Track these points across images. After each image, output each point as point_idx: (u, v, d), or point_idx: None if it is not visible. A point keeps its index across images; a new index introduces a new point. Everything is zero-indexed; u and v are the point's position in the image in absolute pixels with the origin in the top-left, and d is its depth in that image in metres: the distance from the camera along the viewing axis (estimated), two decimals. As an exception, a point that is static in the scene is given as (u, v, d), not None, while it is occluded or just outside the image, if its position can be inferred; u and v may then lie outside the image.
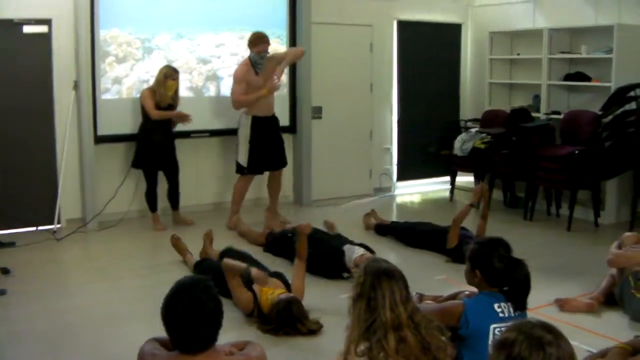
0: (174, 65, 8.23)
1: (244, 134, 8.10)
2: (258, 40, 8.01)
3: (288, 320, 4.93)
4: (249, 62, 8.06)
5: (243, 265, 5.27)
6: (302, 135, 9.28)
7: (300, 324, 4.94)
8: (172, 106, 8.08)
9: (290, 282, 5.46)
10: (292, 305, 4.99)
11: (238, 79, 8.04)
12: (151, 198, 8.16)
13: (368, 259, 5.17)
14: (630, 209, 8.07)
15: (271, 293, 5.16)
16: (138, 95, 8.22)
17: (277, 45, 9.19)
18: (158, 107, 7.91)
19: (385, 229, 7.85)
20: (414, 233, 7.45)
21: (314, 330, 4.97)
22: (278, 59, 8.17)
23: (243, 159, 8.10)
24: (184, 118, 8.06)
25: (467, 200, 8.81)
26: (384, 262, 3.19)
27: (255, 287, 5.24)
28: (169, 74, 7.97)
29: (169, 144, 8.14)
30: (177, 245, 6.75)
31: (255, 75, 8.03)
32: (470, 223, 7.21)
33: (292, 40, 9.27)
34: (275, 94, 8.62)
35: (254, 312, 5.17)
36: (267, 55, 8.07)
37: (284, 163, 8.47)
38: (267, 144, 8.15)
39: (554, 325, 2.24)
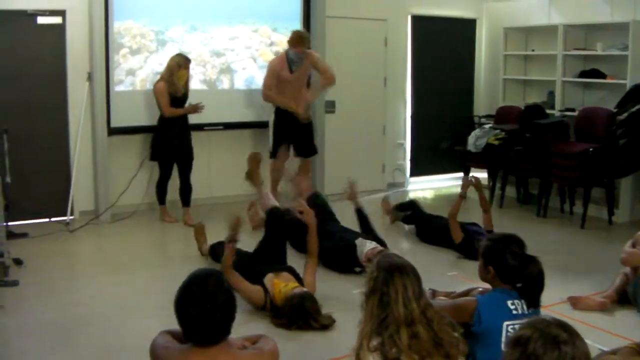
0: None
1: (271, 120, 8.35)
2: (299, 41, 8.02)
3: (301, 315, 4.93)
4: (286, 58, 8.15)
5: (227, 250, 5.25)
6: (315, 129, 9.26)
7: (313, 320, 4.94)
8: (182, 97, 8.03)
9: (300, 275, 5.47)
10: (305, 301, 5.00)
11: (270, 71, 8.17)
12: (161, 190, 8.15)
13: (380, 253, 5.20)
14: (645, 207, 8.05)
15: (284, 286, 5.16)
16: (152, 87, 8.23)
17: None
18: (174, 98, 7.87)
19: (406, 207, 7.87)
20: (430, 227, 7.39)
21: (326, 325, 4.97)
22: (313, 59, 8.18)
23: (270, 144, 8.32)
24: (196, 109, 8.01)
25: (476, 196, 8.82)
26: (396, 257, 3.17)
27: (267, 280, 5.25)
28: (182, 63, 7.89)
29: (186, 136, 8.11)
30: (199, 234, 6.73)
31: (290, 72, 8.10)
32: (479, 219, 7.19)
33: (306, 34, 9.26)
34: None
35: (267, 305, 5.18)
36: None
37: (311, 152, 8.60)
38: (290, 132, 8.28)
39: (570, 324, 2.23)
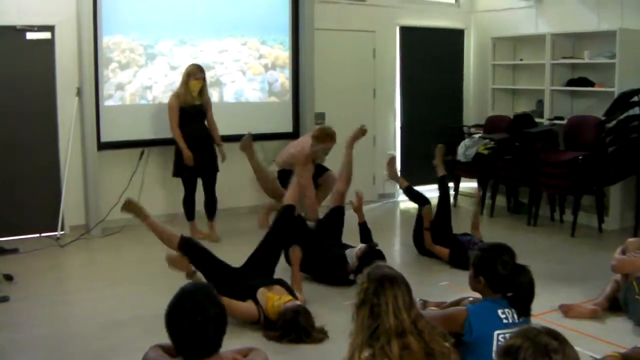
0: (177, 71, 8.23)
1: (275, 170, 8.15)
2: (327, 138, 7.58)
3: (294, 330, 4.93)
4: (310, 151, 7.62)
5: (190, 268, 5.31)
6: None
7: (305, 335, 4.93)
8: (199, 107, 7.85)
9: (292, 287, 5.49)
10: (299, 316, 4.99)
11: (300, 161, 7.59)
12: (188, 206, 7.98)
13: (369, 246, 5.27)
14: (634, 215, 8.06)
15: (277, 299, 5.16)
16: (142, 102, 8.27)
17: (280, 51, 9.22)
18: (185, 111, 7.74)
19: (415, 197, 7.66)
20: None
21: (318, 340, 4.96)
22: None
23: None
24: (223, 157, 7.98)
25: (471, 206, 8.85)
26: (387, 268, 3.18)
27: (260, 294, 5.24)
28: (192, 73, 7.75)
29: (208, 150, 7.96)
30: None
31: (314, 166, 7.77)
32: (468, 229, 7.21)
33: (295, 46, 9.28)
34: (278, 100, 8.90)
35: (261, 319, 5.17)
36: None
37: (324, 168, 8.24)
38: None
39: (560, 332, 2.23)
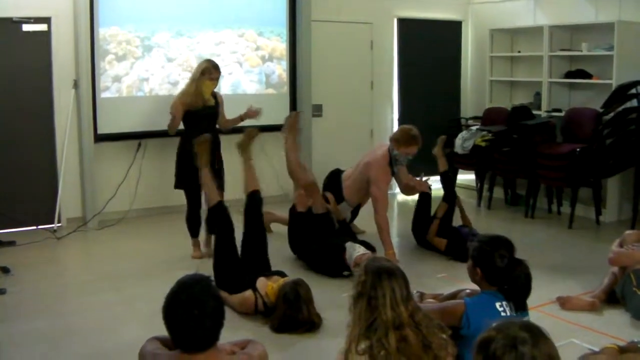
0: (174, 63, 8.19)
1: None
2: (412, 142, 6.85)
3: (295, 301, 4.96)
4: (388, 159, 7.03)
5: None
6: (302, 133, 9.25)
7: (306, 308, 4.97)
8: (210, 109, 6.91)
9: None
10: (299, 287, 5.05)
11: (383, 175, 7.05)
12: (193, 222, 6.93)
13: (368, 258, 5.19)
14: (632, 207, 8.06)
15: (275, 280, 5.26)
16: (138, 94, 8.23)
17: (277, 43, 9.20)
18: (190, 113, 6.78)
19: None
20: (422, 228, 7.35)
21: (315, 322, 5.00)
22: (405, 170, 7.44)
23: None
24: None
25: (468, 198, 8.85)
26: (384, 260, 3.19)
27: (259, 284, 5.27)
28: (207, 71, 6.77)
29: (216, 155, 6.86)
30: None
31: (391, 174, 7.19)
32: (474, 222, 7.20)
33: (292, 38, 9.27)
34: (275, 91, 8.97)
35: (259, 306, 5.19)
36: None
37: None
38: None
39: (538, 326, 2.24)
